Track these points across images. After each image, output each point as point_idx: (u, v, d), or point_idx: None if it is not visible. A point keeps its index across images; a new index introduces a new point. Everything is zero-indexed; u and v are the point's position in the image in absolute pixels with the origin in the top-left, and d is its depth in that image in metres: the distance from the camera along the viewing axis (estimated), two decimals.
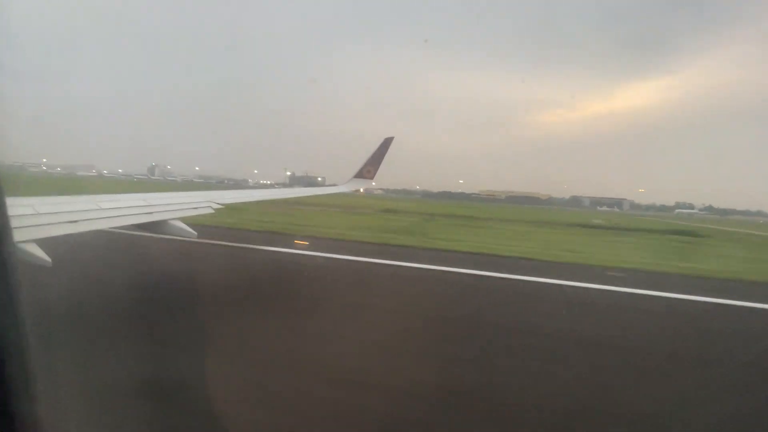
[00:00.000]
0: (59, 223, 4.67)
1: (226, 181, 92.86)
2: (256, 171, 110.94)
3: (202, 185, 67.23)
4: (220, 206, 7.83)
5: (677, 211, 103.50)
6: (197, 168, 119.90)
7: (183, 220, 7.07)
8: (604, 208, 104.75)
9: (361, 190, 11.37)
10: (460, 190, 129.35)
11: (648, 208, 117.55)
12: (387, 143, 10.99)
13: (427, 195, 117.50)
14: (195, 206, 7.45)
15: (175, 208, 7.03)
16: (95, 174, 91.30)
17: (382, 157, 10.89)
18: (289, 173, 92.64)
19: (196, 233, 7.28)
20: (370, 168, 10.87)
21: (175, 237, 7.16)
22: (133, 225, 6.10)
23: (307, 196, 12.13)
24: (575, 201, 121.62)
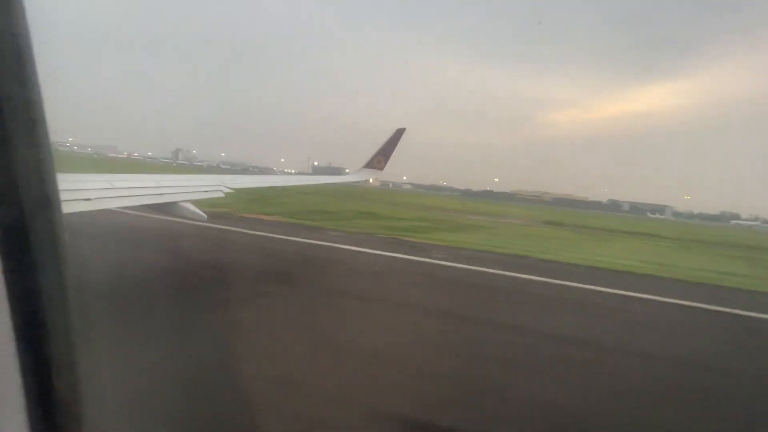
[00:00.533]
0: (74, 200, 5.09)
1: (251, 168, 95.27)
2: (282, 160, 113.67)
3: (227, 171, 69.33)
4: (230, 190, 8.26)
5: (734, 222, 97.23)
6: (223, 154, 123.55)
7: (196, 202, 7.54)
8: (657, 215, 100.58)
9: (371, 180, 11.57)
10: (489, 189, 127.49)
11: (690, 215, 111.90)
12: (398, 134, 11.08)
13: (467, 194, 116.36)
14: (206, 189, 7.86)
15: (186, 190, 7.43)
16: (125, 156, 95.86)
17: (393, 149, 10.98)
18: (316, 163, 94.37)
19: (206, 216, 7.73)
20: (380, 158, 11.00)
21: (185, 219, 7.66)
22: (145, 205, 6.57)
23: (320, 185, 12.43)
24: (614, 205, 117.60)
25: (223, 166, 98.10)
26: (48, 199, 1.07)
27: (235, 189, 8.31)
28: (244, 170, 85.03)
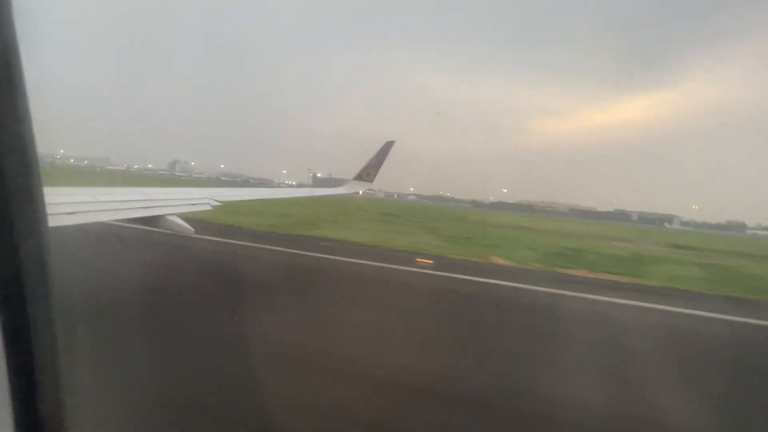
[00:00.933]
0: (57, 214, 5.21)
1: (250, 180, 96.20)
2: (284, 171, 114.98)
3: (226, 183, 70.07)
4: (218, 203, 8.40)
5: (749, 231, 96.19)
6: (222, 165, 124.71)
7: (183, 215, 7.66)
8: (675, 226, 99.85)
9: (360, 192, 11.74)
10: (501, 201, 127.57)
11: (696, 225, 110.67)
12: (388, 147, 11.31)
13: (477, 205, 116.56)
14: (193, 202, 7.99)
15: (172, 203, 7.56)
16: (124, 168, 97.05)
17: (383, 161, 11.19)
18: (319, 174, 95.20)
19: (193, 229, 7.83)
20: (370, 171, 11.22)
21: (172, 232, 7.76)
22: (130, 219, 6.70)
23: (315, 196, 12.53)
24: (623, 215, 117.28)
25: (223, 178, 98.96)
26: (34, 211, 1.14)
27: (224, 202, 8.46)
28: (244, 182, 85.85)
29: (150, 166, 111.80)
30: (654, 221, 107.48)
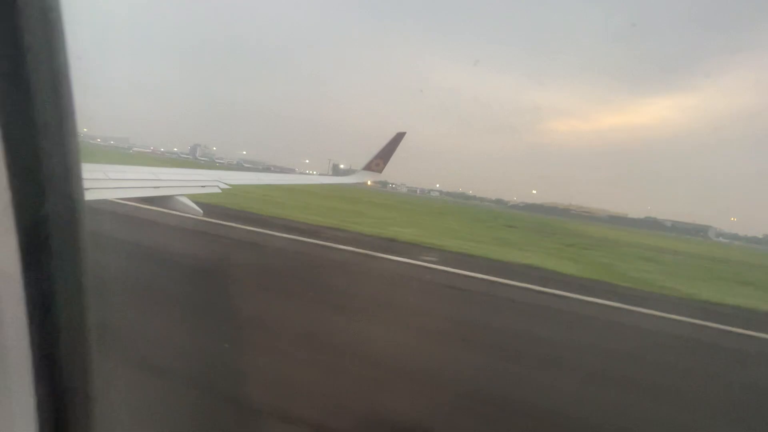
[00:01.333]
0: None
1: (272, 168, 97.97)
2: (306, 161, 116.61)
3: (248, 169, 71.46)
4: (227, 186, 8.62)
5: None
6: (244, 152, 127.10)
7: (192, 197, 7.89)
8: (720, 239, 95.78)
9: (369, 182, 11.78)
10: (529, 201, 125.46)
11: (733, 237, 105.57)
12: (398, 138, 11.40)
13: (509, 206, 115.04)
14: (203, 184, 8.21)
15: (182, 184, 7.79)
16: (151, 150, 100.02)
17: (393, 152, 11.31)
18: (342, 166, 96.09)
19: (201, 211, 8.07)
20: (379, 161, 11.34)
21: (180, 213, 8.00)
22: (138, 198, 6.95)
23: (323, 185, 12.64)
24: (656, 224, 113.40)
25: (245, 165, 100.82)
26: (72, 197, 1.09)
27: (233, 185, 8.67)
28: (265, 169, 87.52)
29: (176, 149, 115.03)
30: (689, 231, 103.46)
